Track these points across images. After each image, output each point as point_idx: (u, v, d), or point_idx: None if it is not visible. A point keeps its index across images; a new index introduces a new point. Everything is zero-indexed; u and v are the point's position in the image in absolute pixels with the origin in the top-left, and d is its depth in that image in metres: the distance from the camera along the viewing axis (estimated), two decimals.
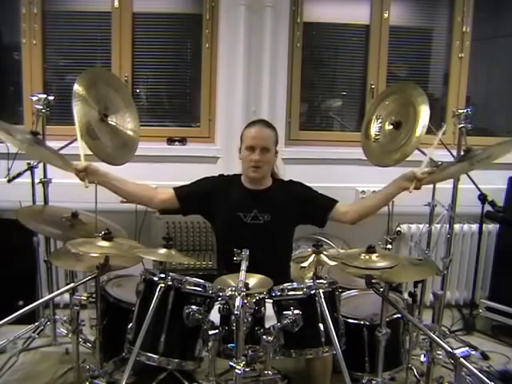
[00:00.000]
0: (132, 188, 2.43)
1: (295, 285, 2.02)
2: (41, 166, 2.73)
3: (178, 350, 1.95)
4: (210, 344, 1.84)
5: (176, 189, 2.49)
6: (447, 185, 2.66)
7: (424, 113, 2.38)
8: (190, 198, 2.48)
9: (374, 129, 2.58)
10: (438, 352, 2.33)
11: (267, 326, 1.90)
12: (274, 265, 2.23)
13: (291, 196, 2.51)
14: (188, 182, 2.54)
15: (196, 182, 2.55)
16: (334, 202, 2.49)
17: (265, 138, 2.43)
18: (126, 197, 2.44)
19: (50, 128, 2.74)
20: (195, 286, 1.97)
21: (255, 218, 2.42)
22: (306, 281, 2.04)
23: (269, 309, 1.96)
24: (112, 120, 2.47)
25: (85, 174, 2.22)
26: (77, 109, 2.29)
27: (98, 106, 2.40)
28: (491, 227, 3.47)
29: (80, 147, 2.24)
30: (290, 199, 2.50)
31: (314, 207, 2.49)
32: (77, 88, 2.31)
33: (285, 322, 1.90)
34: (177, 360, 1.94)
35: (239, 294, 1.66)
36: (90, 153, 2.29)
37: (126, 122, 2.55)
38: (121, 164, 2.52)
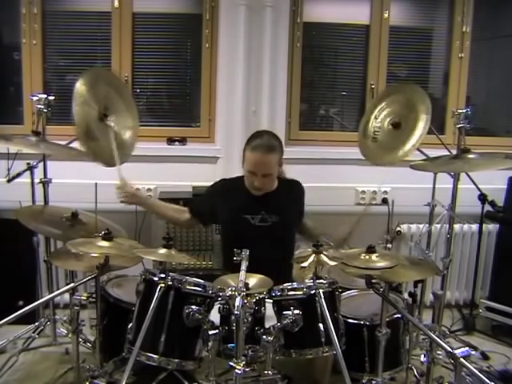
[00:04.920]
0: (165, 209, 2.61)
1: (295, 285, 2.01)
2: (41, 165, 2.73)
3: (178, 350, 1.95)
4: (210, 344, 1.84)
5: (189, 205, 2.60)
6: (447, 185, 2.66)
7: (423, 121, 2.39)
8: (202, 211, 2.55)
9: (373, 128, 2.59)
10: (438, 352, 2.33)
11: (267, 326, 1.90)
12: (281, 265, 2.26)
13: (295, 197, 2.57)
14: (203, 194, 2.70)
15: (204, 194, 2.63)
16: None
17: (266, 165, 2.39)
18: (160, 217, 2.68)
19: (50, 128, 2.74)
20: (195, 286, 1.97)
21: (263, 220, 2.45)
22: (306, 281, 2.04)
23: (269, 309, 1.96)
24: (111, 120, 2.47)
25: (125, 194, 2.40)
26: (76, 109, 2.29)
27: (98, 106, 2.40)
28: (491, 227, 3.47)
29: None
30: (294, 199, 2.55)
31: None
32: (78, 87, 2.31)
33: (285, 322, 1.89)
34: (177, 360, 1.93)
35: (239, 294, 1.66)
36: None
37: (126, 122, 2.56)
38: (119, 164, 2.52)
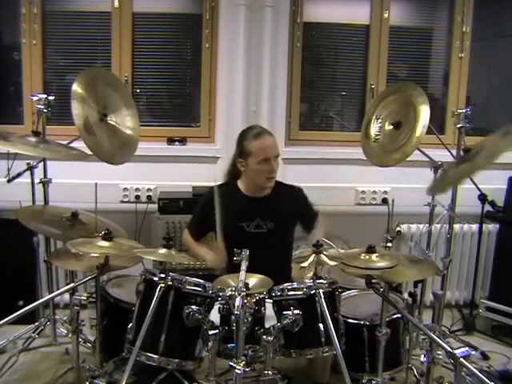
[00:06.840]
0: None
1: (295, 285, 2.02)
2: (41, 165, 2.73)
3: (178, 350, 1.95)
4: (209, 344, 1.85)
5: (189, 229, 2.59)
6: None
7: (424, 113, 2.39)
8: (201, 228, 2.54)
9: (374, 129, 2.59)
10: (438, 352, 2.33)
11: (267, 326, 1.90)
12: (278, 270, 2.24)
13: (294, 203, 2.53)
14: (193, 214, 2.62)
15: (196, 211, 2.59)
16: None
17: (275, 147, 2.44)
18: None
19: (50, 128, 2.74)
20: (195, 286, 1.97)
21: (258, 226, 2.44)
22: (306, 281, 2.04)
23: (269, 309, 1.96)
24: (111, 119, 2.47)
25: None
26: (76, 108, 2.29)
27: (97, 106, 2.40)
28: (491, 227, 3.47)
29: None
30: (292, 206, 2.52)
31: (308, 217, 2.58)
32: (76, 88, 2.32)
33: (285, 322, 1.90)
34: (177, 360, 1.94)
35: (239, 294, 1.66)
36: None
37: (125, 121, 2.56)
38: (120, 163, 2.52)
